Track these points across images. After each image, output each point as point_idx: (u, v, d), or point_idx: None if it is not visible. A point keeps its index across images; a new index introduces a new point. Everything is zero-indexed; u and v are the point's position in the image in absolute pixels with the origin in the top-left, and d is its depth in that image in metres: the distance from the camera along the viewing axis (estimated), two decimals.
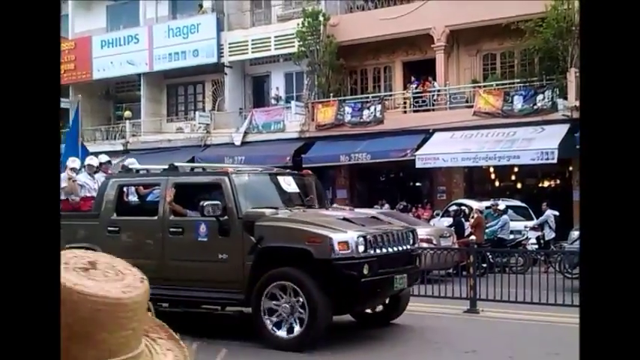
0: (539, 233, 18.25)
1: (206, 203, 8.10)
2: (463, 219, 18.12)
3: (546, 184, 23.80)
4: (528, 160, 19.96)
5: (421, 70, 24.25)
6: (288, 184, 9.21)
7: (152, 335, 1.48)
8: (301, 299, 7.57)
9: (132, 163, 11.14)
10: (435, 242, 14.48)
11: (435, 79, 23.57)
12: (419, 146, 21.85)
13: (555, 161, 19.55)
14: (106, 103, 32.41)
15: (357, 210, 11.64)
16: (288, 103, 26.18)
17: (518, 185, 23.68)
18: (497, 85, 22.32)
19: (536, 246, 17.85)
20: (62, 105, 21.41)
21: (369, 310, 9.18)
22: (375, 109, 23.62)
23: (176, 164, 9.78)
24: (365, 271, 7.64)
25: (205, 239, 8.39)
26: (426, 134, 22.30)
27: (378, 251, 7.92)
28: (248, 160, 21.91)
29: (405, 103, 24.37)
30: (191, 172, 9.75)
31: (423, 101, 23.54)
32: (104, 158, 11.26)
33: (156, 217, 8.91)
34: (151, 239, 8.92)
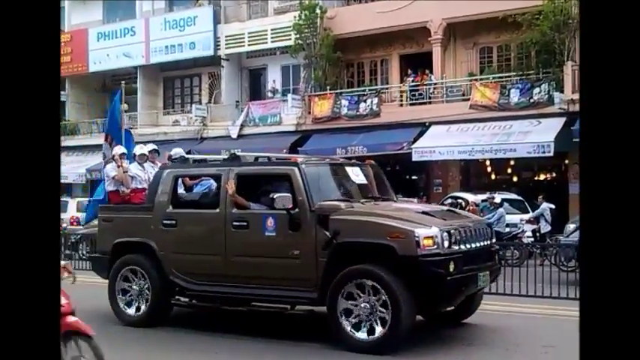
0: (535, 226, 18.29)
1: (277, 195, 7.56)
2: None
3: (542, 177, 23.85)
4: (524, 153, 19.98)
5: (418, 63, 24.24)
6: (356, 174, 8.62)
7: None
8: (383, 297, 7.05)
9: (178, 153, 10.31)
10: None
11: (431, 72, 23.57)
12: (415, 139, 21.88)
13: (551, 154, 19.57)
14: (102, 95, 32.34)
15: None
16: (284, 96, 26.16)
17: (515, 178, 23.72)
18: (493, 78, 22.33)
19: (532, 239, 17.88)
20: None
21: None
22: (372, 102, 23.62)
23: (238, 153, 9.04)
24: (451, 269, 7.12)
25: (273, 234, 7.85)
26: (423, 127, 22.32)
27: (462, 247, 7.40)
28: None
29: (401, 96, 24.36)
30: (255, 162, 8.96)
31: (420, 94, 23.54)
32: (152, 147, 10.53)
33: (217, 210, 8.33)
34: (212, 234, 8.37)
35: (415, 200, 11.09)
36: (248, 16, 27.85)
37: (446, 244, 7.16)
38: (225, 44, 27.56)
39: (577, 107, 19.82)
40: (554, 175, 23.46)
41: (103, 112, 31.95)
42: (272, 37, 26.43)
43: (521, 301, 10.21)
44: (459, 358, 7.20)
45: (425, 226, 7.20)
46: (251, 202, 8.33)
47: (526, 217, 18.91)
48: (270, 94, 27.28)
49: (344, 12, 25.15)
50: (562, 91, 20.10)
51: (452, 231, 7.31)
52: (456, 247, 7.30)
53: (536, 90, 20.78)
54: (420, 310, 7.58)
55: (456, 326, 8.57)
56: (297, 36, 24.79)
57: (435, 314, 8.57)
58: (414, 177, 25.47)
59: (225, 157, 9.14)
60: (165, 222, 8.75)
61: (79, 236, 17.18)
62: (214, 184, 9.34)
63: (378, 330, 7.13)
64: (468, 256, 7.44)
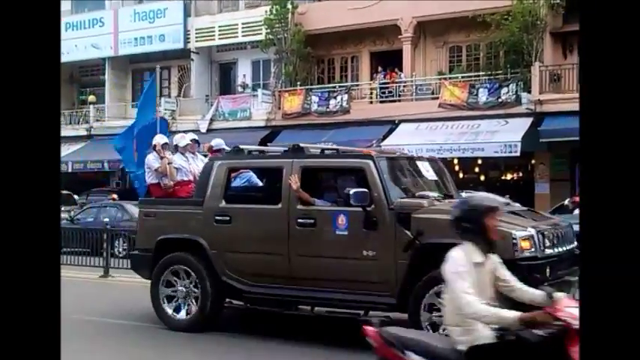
0: None
1: (353, 191, 6.94)
2: None
3: (509, 176, 24.07)
4: (492, 152, 20.15)
5: (388, 61, 24.30)
6: (427, 170, 8.04)
7: None
8: None
9: (219, 144, 9.41)
10: None
11: (401, 70, 23.65)
12: (385, 137, 21.92)
13: (518, 154, 19.77)
14: (70, 87, 31.89)
15: None
16: (254, 91, 26.05)
17: (482, 177, 23.90)
18: (462, 77, 22.48)
19: None
20: None
21: None
22: (342, 98, 23.64)
23: (301, 145, 8.17)
24: (547, 274, 6.57)
25: (345, 232, 7.21)
26: (392, 125, 22.40)
27: (555, 250, 6.85)
28: None
29: (371, 93, 24.41)
30: (322, 155, 8.14)
31: (390, 92, 23.61)
32: (192, 136, 9.68)
33: (279, 206, 7.63)
34: (273, 231, 7.65)
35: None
36: (219, 10, 27.66)
37: (542, 246, 6.66)
38: (196, 37, 27.35)
39: (544, 108, 20.17)
40: (520, 174, 23.70)
41: (70, 104, 31.54)
42: (243, 32, 26.29)
43: None
44: None
45: (521, 227, 6.66)
46: (315, 199, 7.69)
47: None
48: (240, 89, 27.14)
49: (315, 8, 25.12)
50: (529, 92, 20.32)
51: (546, 232, 6.84)
52: (550, 251, 6.80)
53: (504, 90, 20.96)
54: None
55: None
56: (268, 31, 24.70)
57: None
58: None
59: (286, 148, 8.39)
60: (217, 218, 8.02)
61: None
62: (254, 177, 8.78)
63: None
64: (560, 261, 6.92)
